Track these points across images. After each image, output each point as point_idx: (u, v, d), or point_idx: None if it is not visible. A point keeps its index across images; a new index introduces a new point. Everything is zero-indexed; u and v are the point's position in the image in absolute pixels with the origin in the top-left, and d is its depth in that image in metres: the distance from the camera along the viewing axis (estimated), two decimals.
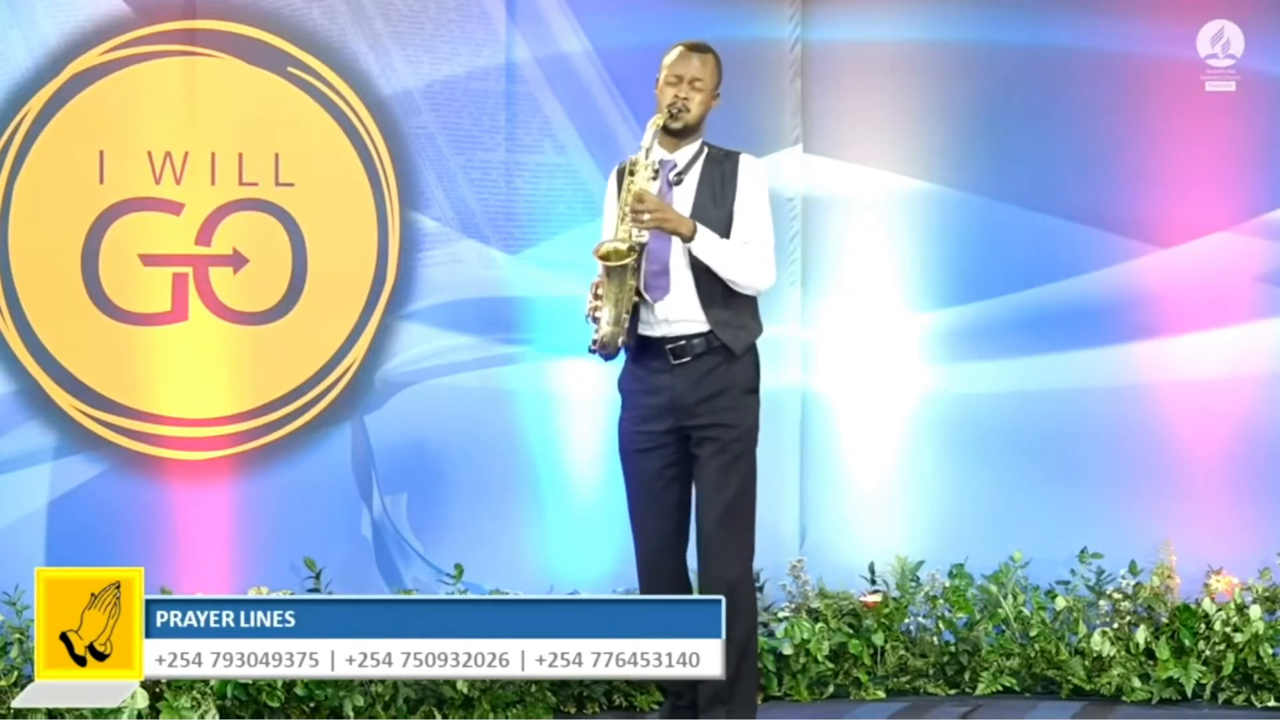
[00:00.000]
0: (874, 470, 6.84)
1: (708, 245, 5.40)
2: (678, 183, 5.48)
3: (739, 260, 5.42)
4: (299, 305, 6.37)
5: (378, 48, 6.44)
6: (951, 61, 6.76)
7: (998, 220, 6.75)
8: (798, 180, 6.79)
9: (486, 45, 6.54)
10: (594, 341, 5.43)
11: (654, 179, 5.40)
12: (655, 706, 6.23)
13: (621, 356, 5.49)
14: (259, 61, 6.34)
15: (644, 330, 5.46)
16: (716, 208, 5.46)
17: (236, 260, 6.32)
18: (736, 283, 5.45)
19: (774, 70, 6.75)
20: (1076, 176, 6.73)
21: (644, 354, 5.47)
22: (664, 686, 5.78)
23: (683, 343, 5.45)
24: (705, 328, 5.45)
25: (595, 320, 5.42)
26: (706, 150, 5.52)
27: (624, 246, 5.35)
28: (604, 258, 5.36)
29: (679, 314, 5.45)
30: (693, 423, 5.45)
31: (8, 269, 6.17)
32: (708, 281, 5.44)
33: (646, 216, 5.34)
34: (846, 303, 6.83)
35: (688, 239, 5.39)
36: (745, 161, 5.53)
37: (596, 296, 5.41)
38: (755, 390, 5.53)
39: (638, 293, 5.42)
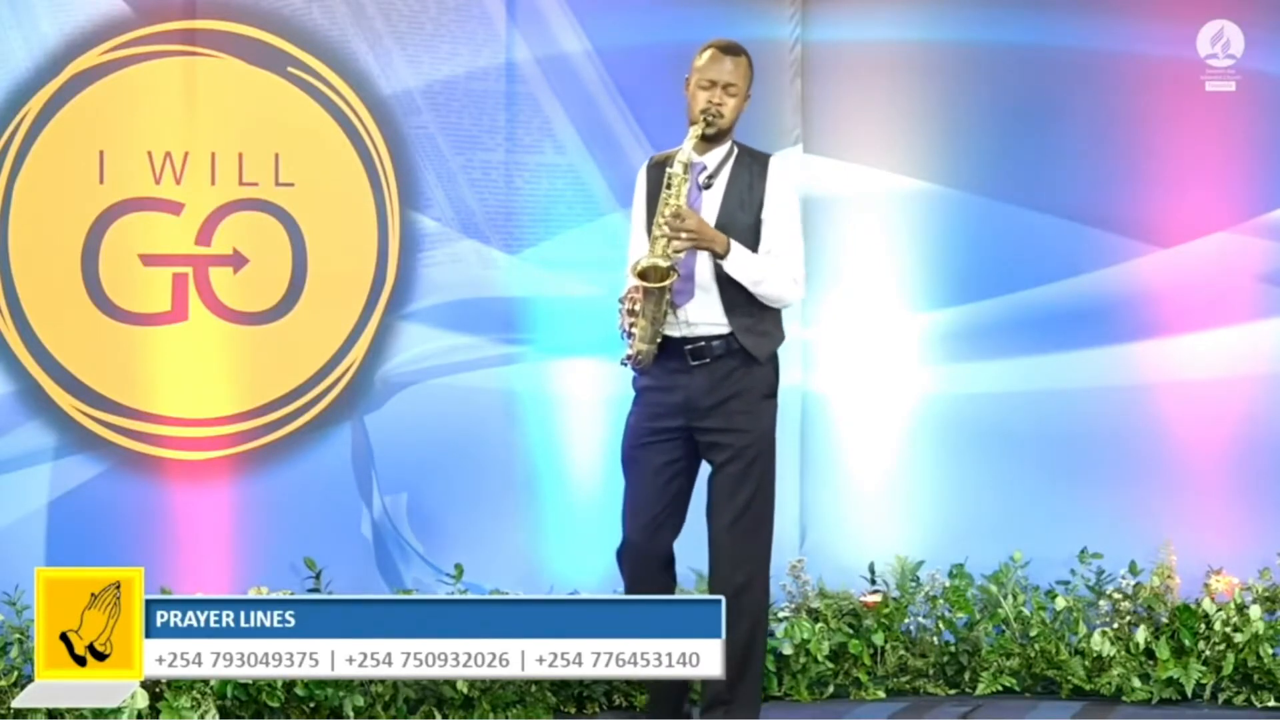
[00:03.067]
0: (874, 470, 6.83)
1: (740, 263, 5.38)
2: (707, 187, 5.44)
3: (769, 278, 5.40)
4: (299, 305, 6.37)
5: (378, 48, 6.44)
6: (951, 61, 6.76)
7: (998, 220, 6.75)
8: (798, 180, 6.78)
9: (486, 45, 6.54)
10: (629, 357, 5.41)
11: (686, 183, 5.37)
12: None
13: None
14: (259, 61, 6.33)
15: (665, 330, 5.42)
16: (744, 214, 5.44)
17: (236, 260, 6.32)
18: (766, 298, 5.43)
19: (774, 70, 6.74)
20: (1076, 176, 6.72)
21: (662, 353, 5.44)
22: (649, 688, 5.76)
23: (702, 344, 5.42)
24: (725, 330, 5.43)
25: (630, 335, 5.39)
26: (737, 151, 5.49)
27: (664, 265, 5.30)
28: (642, 276, 5.31)
29: (701, 317, 5.43)
30: (705, 425, 5.44)
31: (8, 269, 6.17)
32: (732, 288, 5.41)
33: (684, 236, 5.31)
34: (846, 303, 6.83)
35: (721, 256, 5.37)
36: (775, 166, 5.49)
37: (631, 312, 5.37)
38: (773, 395, 5.51)
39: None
